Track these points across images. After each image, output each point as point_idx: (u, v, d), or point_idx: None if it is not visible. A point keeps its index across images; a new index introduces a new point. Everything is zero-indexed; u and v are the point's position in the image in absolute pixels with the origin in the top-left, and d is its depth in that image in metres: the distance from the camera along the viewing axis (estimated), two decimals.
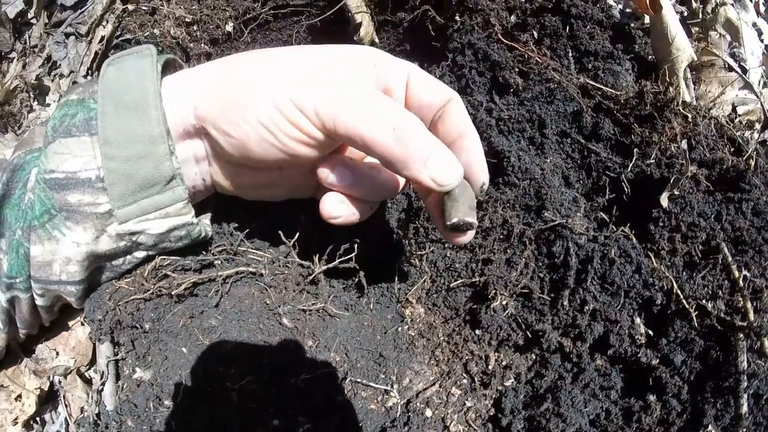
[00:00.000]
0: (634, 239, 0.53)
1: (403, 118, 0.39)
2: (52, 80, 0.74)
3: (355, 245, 0.52)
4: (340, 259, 0.53)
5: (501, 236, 0.55)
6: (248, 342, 0.49)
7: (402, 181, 0.48)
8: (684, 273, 0.51)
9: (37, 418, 0.53)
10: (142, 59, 0.43)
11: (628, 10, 0.71)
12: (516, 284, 0.52)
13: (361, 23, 0.77)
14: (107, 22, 0.74)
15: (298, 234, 0.53)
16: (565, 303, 0.51)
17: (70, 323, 0.55)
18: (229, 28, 0.77)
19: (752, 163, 0.55)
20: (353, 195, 0.44)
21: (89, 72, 0.73)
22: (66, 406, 0.53)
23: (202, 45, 0.76)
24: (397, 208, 0.61)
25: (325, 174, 0.43)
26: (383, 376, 0.51)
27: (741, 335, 0.46)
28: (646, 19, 0.67)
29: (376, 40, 0.80)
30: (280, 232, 0.52)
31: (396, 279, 0.56)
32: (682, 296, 0.49)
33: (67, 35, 0.75)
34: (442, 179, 0.40)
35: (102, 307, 0.48)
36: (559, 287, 0.52)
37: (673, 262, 0.51)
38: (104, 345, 0.50)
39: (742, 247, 0.50)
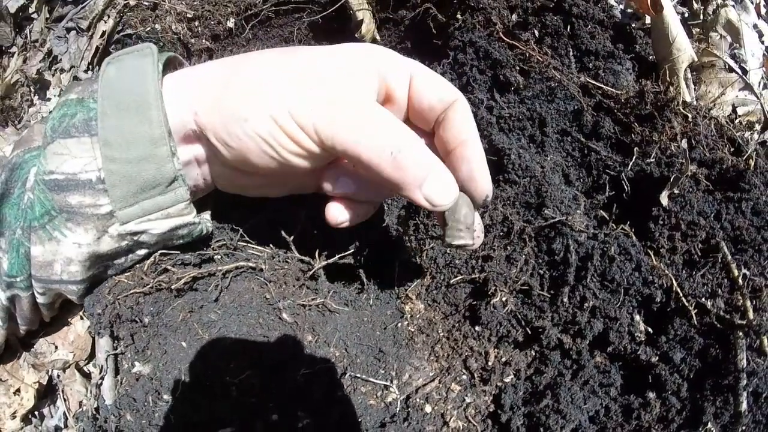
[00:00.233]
0: (633, 237, 0.53)
1: (402, 141, 0.38)
2: (53, 75, 0.74)
3: (355, 241, 0.52)
4: (339, 255, 0.53)
5: (501, 233, 0.55)
6: (248, 337, 0.49)
7: None
8: (684, 271, 0.51)
9: (36, 412, 0.53)
10: (143, 58, 0.42)
11: (629, 10, 0.71)
12: (516, 281, 0.52)
13: (362, 20, 0.77)
14: (108, 17, 0.74)
15: (298, 229, 0.53)
16: (565, 300, 0.51)
17: (70, 318, 0.55)
18: (230, 24, 0.77)
19: (752, 163, 0.56)
20: (357, 199, 0.45)
21: (90, 67, 0.73)
22: (65, 400, 0.53)
23: (204, 41, 0.76)
24: (397, 204, 0.61)
25: (329, 186, 0.44)
26: (383, 372, 0.51)
27: (740, 333, 0.46)
28: (647, 20, 0.68)
29: (378, 37, 0.80)
30: (279, 227, 0.52)
31: (396, 275, 0.56)
32: (681, 294, 0.49)
33: (68, 30, 0.75)
34: (436, 200, 0.40)
35: (101, 301, 0.48)
36: (558, 284, 0.52)
37: (672, 260, 0.51)
38: (103, 339, 0.50)
39: (742, 246, 0.50)
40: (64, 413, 0.52)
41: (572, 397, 0.48)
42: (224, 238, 0.53)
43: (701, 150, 0.57)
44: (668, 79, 0.63)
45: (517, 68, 0.63)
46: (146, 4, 0.75)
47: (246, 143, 0.40)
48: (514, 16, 0.68)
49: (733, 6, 0.72)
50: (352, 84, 0.40)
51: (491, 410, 0.51)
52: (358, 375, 0.50)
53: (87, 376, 0.53)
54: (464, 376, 0.52)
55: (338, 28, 0.81)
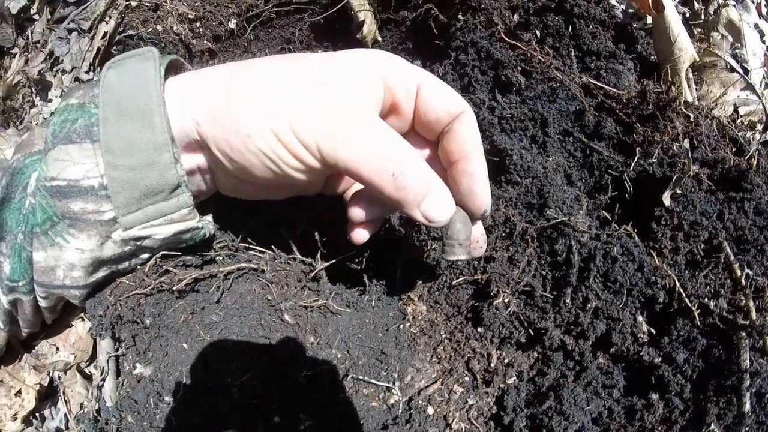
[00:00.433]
0: (636, 237, 0.53)
1: (403, 162, 0.39)
2: (55, 76, 0.74)
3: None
4: (341, 257, 0.53)
5: (503, 234, 0.55)
6: (249, 338, 0.49)
7: None
8: (686, 271, 0.51)
9: (37, 414, 0.52)
10: (144, 62, 0.41)
11: (630, 10, 0.71)
12: (518, 282, 0.52)
13: (363, 21, 0.77)
14: (110, 17, 0.74)
15: (299, 231, 0.53)
16: (568, 301, 0.51)
17: (71, 320, 0.54)
18: (232, 25, 0.77)
19: (754, 163, 0.55)
20: (378, 217, 0.47)
21: (91, 68, 0.73)
22: (66, 401, 0.52)
23: (205, 42, 0.76)
24: None
25: (358, 214, 0.45)
26: (385, 374, 0.51)
27: (743, 334, 0.46)
28: (649, 20, 0.68)
29: (379, 38, 0.80)
30: (281, 229, 0.52)
31: (398, 276, 0.56)
32: (684, 295, 0.49)
33: (70, 31, 0.75)
34: (432, 217, 0.41)
35: (103, 302, 0.48)
36: (561, 285, 0.52)
37: (675, 260, 0.51)
38: (105, 341, 0.50)
39: (744, 246, 0.50)
40: (65, 415, 0.52)
41: (575, 399, 0.48)
42: (226, 239, 0.52)
43: (703, 150, 0.57)
44: (670, 79, 0.63)
45: (519, 69, 0.63)
46: (148, 5, 0.75)
47: (248, 158, 0.40)
48: (516, 17, 0.68)
49: (735, 6, 0.72)
50: (353, 90, 0.40)
51: (494, 412, 0.51)
52: (360, 377, 0.50)
53: (88, 377, 0.53)
54: (467, 378, 0.52)
55: (340, 29, 0.81)
